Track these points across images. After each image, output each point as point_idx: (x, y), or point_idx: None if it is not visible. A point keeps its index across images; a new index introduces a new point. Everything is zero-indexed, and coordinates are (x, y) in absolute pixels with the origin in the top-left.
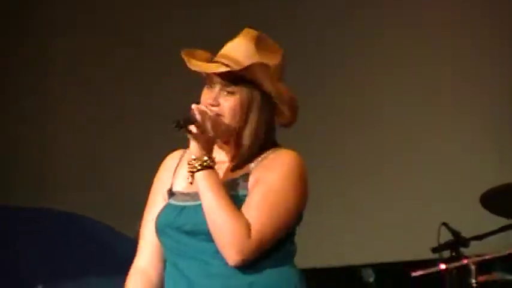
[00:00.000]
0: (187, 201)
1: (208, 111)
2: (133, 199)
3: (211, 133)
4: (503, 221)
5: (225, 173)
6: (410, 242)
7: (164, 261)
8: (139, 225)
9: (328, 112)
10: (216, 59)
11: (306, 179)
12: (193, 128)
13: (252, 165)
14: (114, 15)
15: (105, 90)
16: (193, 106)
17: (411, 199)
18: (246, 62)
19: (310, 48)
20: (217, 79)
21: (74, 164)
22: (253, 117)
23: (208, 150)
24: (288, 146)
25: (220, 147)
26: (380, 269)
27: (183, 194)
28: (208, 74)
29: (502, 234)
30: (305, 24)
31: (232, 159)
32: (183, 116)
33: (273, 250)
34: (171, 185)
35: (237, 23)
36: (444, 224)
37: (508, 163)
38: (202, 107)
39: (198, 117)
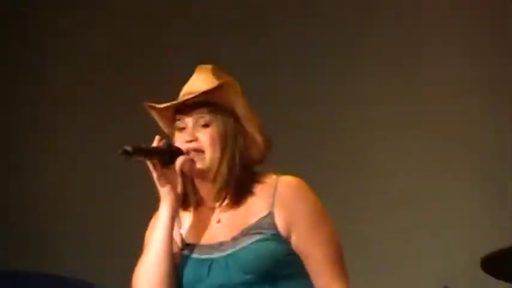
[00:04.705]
0: (212, 253)
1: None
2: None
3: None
4: (505, 286)
5: (236, 215)
6: None
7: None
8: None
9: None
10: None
11: None
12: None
13: (261, 201)
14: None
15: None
16: (157, 137)
17: (411, 260)
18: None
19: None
20: (188, 118)
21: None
22: (230, 145)
23: None
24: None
25: (204, 187)
26: None
27: (204, 246)
28: (176, 119)
29: None
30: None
31: (218, 196)
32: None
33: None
34: (181, 238)
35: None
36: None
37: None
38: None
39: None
